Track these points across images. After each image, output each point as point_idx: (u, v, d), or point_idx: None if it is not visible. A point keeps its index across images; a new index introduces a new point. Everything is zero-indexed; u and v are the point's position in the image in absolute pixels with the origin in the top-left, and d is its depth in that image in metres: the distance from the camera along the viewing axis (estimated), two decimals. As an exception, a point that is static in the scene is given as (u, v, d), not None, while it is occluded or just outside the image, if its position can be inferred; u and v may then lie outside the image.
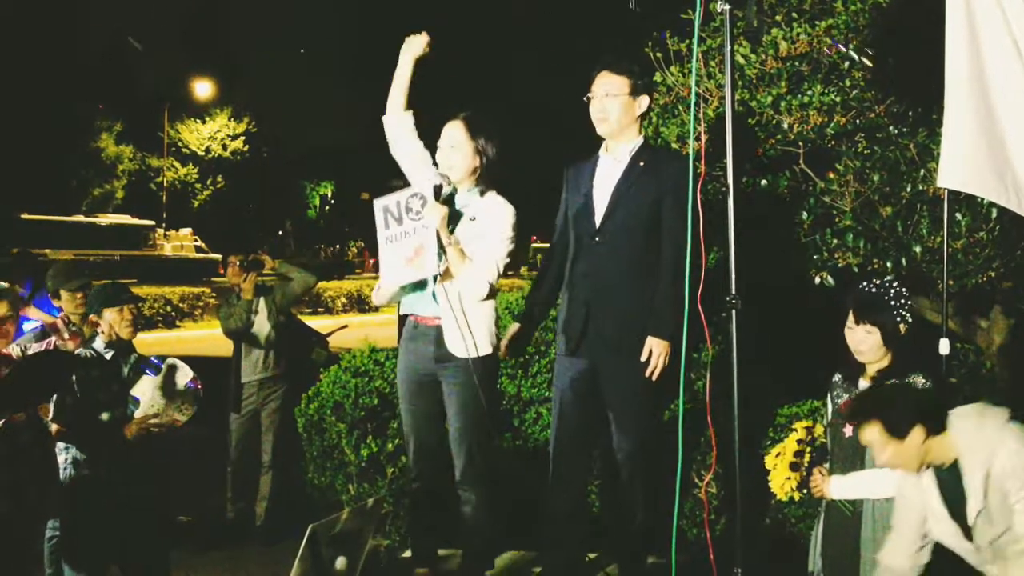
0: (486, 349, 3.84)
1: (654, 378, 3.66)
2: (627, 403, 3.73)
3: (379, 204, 3.93)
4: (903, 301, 3.23)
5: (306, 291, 6.07)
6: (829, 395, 3.44)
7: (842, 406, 3.34)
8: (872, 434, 2.88)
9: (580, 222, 3.88)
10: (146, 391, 3.99)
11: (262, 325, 5.74)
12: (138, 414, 3.95)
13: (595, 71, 3.84)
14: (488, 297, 3.85)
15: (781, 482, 3.29)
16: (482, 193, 3.92)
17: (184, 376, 4.08)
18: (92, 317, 4.09)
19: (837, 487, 3.25)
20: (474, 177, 3.90)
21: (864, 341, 3.23)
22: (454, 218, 3.85)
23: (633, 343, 3.70)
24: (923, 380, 3.17)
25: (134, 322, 4.08)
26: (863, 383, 3.29)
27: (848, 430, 3.31)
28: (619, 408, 3.76)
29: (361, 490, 4.89)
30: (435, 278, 3.80)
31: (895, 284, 3.27)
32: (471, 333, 3.77)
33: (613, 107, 3.78)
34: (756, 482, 3.46)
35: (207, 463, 6.11)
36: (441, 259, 3.75)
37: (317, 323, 7.83)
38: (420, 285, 3.88)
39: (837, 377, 3.40)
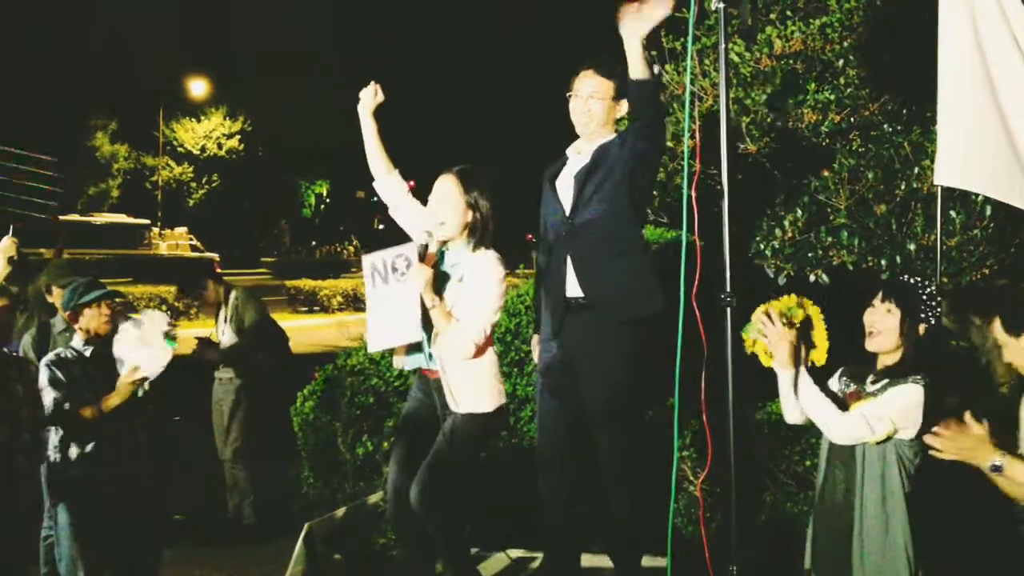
0: (480, 407, 3.69)
1: None
2: (605, 403, 3.69)
3: (367, 261, 3.75)
4: (934, 304, 3.20)
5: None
6: (837, 378, 3.36)
7: (848, 396, 3.28)
8: (994, 330, 2.76)
9: (552, 217, 3.83)
10: (126, 352, 3.95)
11: (228, 329, 5.85)
12: (124, 372, 3.90)
13: (580, 67, 3.76)
14: (477, 355, 3.66)
15: (754, 341, 3.20)
16: (474, 250, 3.73)
17: (159, 325, 4.01)
18: (68, 314, 4.04)
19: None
20: (467, 234, 3.73)
21: (882, 320, 3.13)
22: (443, 278, 3.70)
23: (613, 336, 3.64)
24: (918, 382, 3.04)
25: (112, 318, 4.01)
26: (869, 380, 3.20)
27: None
28: (597, 407, 3.72)
29: (357, 488, 4.89)
30: (428, 339, 3.68)
31: (934, 289, 3.21)
32: (462, 390, 3.66)
33: (597, 109, 3.73)
34: (751, 479, 3.46)
35: (202, 461, 6.12)
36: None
37: (312, 322, 7.83)
38: (417, 345, 3.75)
39: (843, 371, 3.34)
